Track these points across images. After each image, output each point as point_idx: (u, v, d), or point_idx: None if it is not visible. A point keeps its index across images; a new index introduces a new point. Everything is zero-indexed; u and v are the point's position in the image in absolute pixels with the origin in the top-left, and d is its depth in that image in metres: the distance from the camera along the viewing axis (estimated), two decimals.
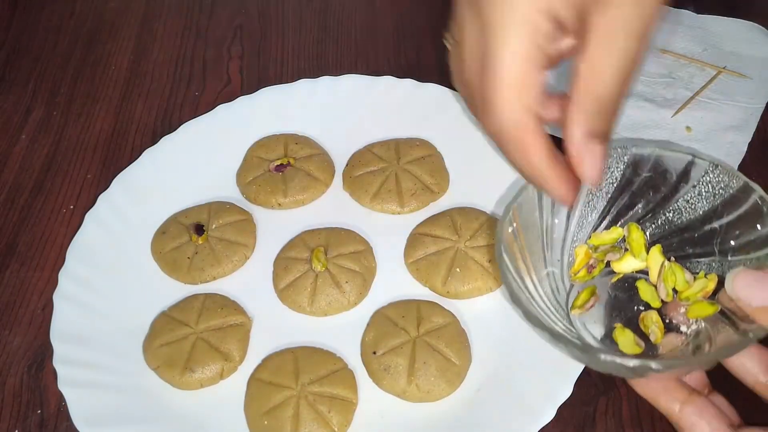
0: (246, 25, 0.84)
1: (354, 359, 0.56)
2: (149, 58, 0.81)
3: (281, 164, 0.67)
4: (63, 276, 0.60)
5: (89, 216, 0.64)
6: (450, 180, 0.66)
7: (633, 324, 0.50)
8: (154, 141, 0.70)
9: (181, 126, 0.70)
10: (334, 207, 0.65)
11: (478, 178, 0.66)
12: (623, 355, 0.47)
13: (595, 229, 0.52)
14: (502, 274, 0.47)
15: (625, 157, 0.51)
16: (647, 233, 0.52)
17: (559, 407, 0.51)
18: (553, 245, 0.52)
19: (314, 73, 0.76)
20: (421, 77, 0.72)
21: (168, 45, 0.82)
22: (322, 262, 0.60)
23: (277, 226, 0.64)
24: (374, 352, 0.55)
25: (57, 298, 0.59)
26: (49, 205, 0.68)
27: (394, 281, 0.60)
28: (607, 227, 0.52)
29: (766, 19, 0.77)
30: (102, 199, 0.65)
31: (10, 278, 0.64)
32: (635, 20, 0.37)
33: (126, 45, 0.83)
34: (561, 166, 0.41)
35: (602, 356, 0.43)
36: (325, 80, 0.72)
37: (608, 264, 0.51)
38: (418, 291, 0.60)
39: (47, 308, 0.60)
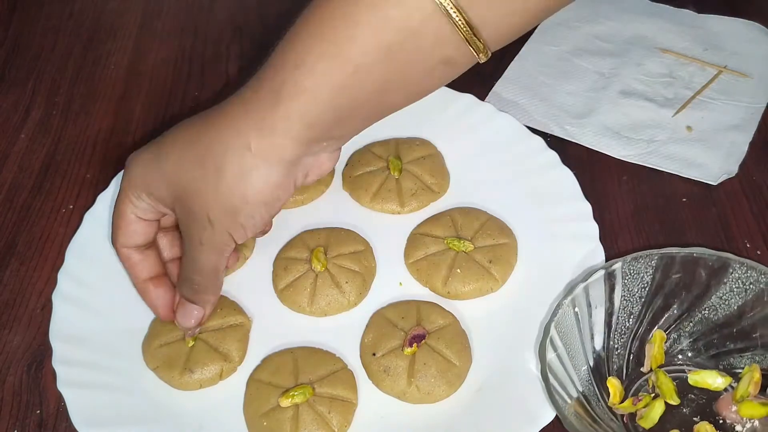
0: (245, 25, 0.84)
1: (354, 359, 0.56)
2: (148, 57, 0.81)
3: None
4: (62, 276, 0.60)
5: (88, 216, 0.64)
6: (450, 180, 0.66)
7: (687, 425, 0.50)
8: None
9: None
10: (334, 207, 0.65)
11: (479, 178, 0.65)
12: None
13: (634, 333, 0.54)
14: (550, 397, 0.49)
15: (653, 262, 0.53)
16: (687, 332, 0.54)
17: None
18: (598, 355, 0.53)
19: None
20: None
21: (167, 44, 0.82)
22: (322, 263, 0.59)
23: (276, 226, 0.64)
24: (374, 354, 0.55)
25: (56, 297, 0.59)
26: (48, 205, 0.68)
27: (394, 281, 0.60)
28: (646, 331, 0.54)
29: (767, 19, 0.77)
30: (101, 198, 0.65)
31: (10, 277, 0.63)
32: (191, 235, 0.52)
33: (125, 44, 0.83)
34: (153, 290, 0.56)
35: None
36: None
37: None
38: (418, 291, 0.59)
39: (46, 308, 0.60)
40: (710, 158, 0.66)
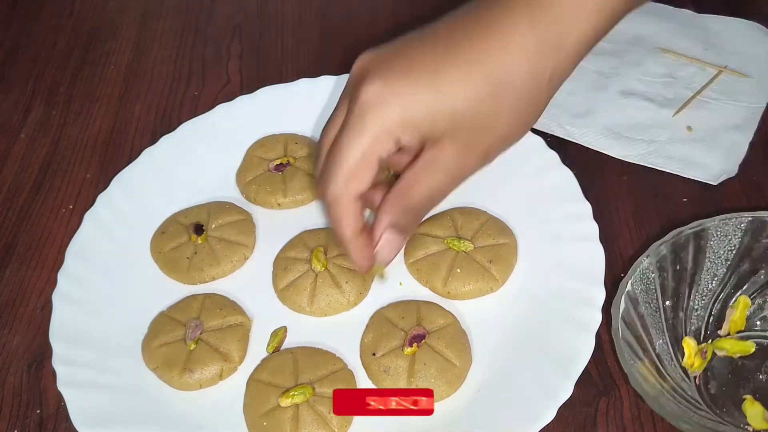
0: (245, 25, 0.84)
1: (354, 359, 0.56)
2: (148, 57, 0.81)
3: (281, 164, 0.66)
4: (62, 276, 0.60)
5: (88, 216, 0.64)
6: None
7: (762, 392, 0.50)
8: (153, 140, 0.70)
9: (181, 125, 0.70)
10: None
11: (478, 177, 0.65)
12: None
13: (716, 296, 0.53)
14: (620, 355, 0.48)
15: (743, 225, 0.52)
16: None
17: (560, 408, 0.51)
18: (677, 315, 0.52)
19: (314, 72, 0.76)
20: None
21: (167, 44, 0.82)
22: (322, 262, 0.59)
23: (276, 226, 0.64)
24: (374, 354, 0.55)
25: (56, 298, 0.59)
26: (48, 205, 0.68)
27: (394, 281, 0.60)
28: (729, 294, 0.53)
29: (767, 19, 0.76)
30: (101, 198, 0.65)
31: (10, 278, 0.64)
32: (454, 167, 0.47)
33: (125, 44, 0.83)
34: (363, 242, 0.49)
35: None
36: (325, 80, 0.72)
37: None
38: (418, 291, 0.59)
39: (46, 308, 0.60)
40: (710, 158, 0.66)
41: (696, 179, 0.65)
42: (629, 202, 0.65)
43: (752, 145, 0.67)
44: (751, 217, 0.52)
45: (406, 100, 0.45)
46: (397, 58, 0.46)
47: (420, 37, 0.46)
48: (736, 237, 0.53)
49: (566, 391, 0.51)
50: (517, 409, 0.52)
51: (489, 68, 0.44)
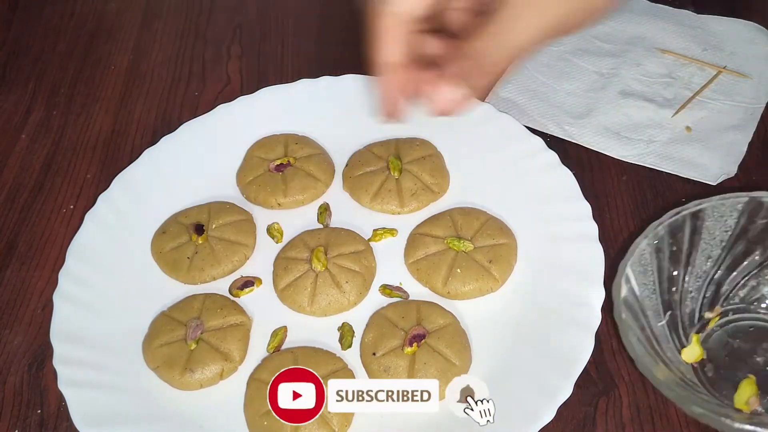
0: (245, 25, 0.84)
1: (354, 359, 0.56)
2: (149, 58, 0.81)
3: (281, 164, 0.67)
4: (63, 276, 0.60)
5: (89, 216, 0.64)
6: (450, 180, 0.66)
7: (761, 374, 0.50)
8: (153, 141, 0.70)
9: (181, 126, 0.70)
10: (334, 207, 0.65)
11: (479, 178, 0.66)
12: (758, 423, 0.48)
13: (711, 277, 0.53)
14: (624, 338, 0.48)
15: (739, 205, 0.52)
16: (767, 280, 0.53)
17: (559, 407, 0.51)
18: (672, 297, 0.52)
19: (314, 73, 0.76)
20: None
21: (168, 45, 0.82)
22: (322, 262, 0.60)
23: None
24: (374, 353, 0.55)
25: (57, 298, 0.59)
26: (49, 205, 0.68)
27: (394, 281, 0.60)
28: (723, 276, 0.53)
29: (766, 19, 0.77)
30: (102, 199, 0.65)
31: (11, 278, 0.64)
32: (534, 25, 0.45)
33: (126, 45, 0.83)
34: (397, 81, 0.51)
35: (736, 425, 0.44)
36: (325, 80, 0.72)
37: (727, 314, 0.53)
38: (418, 291, 0.60)
39: (47, 308, 0.60)
40: (709, 158, 0.66)
41: (695, 179, 0.65)
42: (628, 203, 0.65)
43: (751, 145, 0.67)
44: (748, 197, 0.52)
45: None
46: None
47: None
48: (732, 217, 0.52)
49: (566, 391, 0.52)
50: (516, 408, 0.52)
51: None
